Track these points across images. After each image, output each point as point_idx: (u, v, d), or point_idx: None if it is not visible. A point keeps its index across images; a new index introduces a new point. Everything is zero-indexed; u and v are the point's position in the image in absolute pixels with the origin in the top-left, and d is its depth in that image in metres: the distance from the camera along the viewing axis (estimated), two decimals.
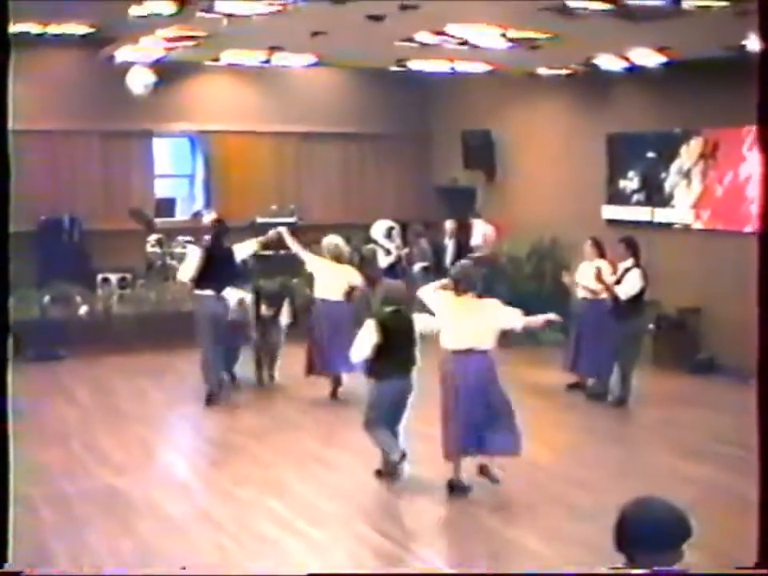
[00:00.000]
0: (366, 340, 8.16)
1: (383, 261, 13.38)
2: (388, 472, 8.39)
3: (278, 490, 8.40)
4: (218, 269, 11.18)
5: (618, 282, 11.09)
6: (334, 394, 11.45)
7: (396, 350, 8.16)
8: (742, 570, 4.25)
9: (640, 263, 11.16)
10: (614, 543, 3.27)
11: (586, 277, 11.49)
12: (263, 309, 11.85)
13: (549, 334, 12.61)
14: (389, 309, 8.30)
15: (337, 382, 11.44)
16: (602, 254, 11.51)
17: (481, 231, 15.35)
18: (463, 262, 8.66)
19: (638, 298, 11.12)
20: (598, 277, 11.17)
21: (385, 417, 8.28)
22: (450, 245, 15.68)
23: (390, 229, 14.52)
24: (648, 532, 3.21)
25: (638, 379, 11.87)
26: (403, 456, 8.22)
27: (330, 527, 7.56)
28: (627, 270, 11.12)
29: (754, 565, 4.14)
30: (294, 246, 11.58)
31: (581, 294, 11.62)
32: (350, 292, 11.32)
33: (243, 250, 11.54)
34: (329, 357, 11.08)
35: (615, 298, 11.10)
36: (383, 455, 8.41)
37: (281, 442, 9.95)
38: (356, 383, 10.38)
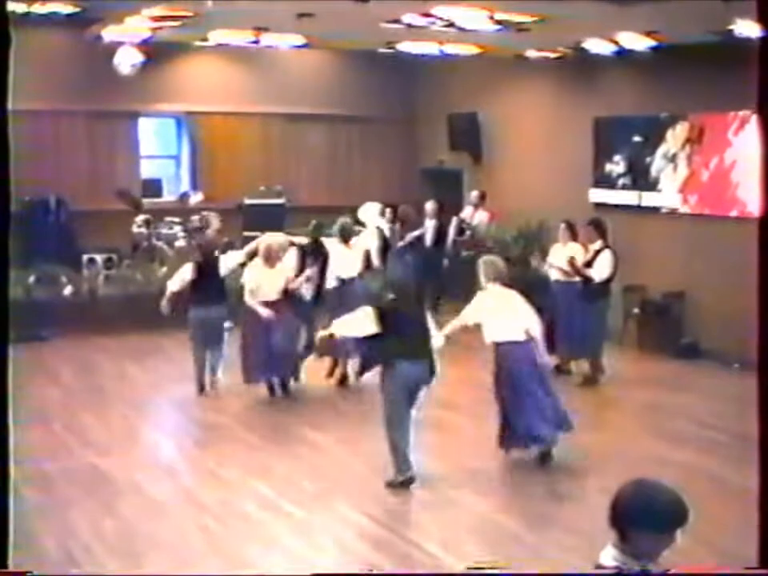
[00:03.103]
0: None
1: (372, 243, 13.14)
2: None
3: (262, 472, 8.41)
4: None
5: (590, 264, 11.15)
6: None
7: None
8: (743, 570, 4.27)
9: (609, 244, 11.22)
10: (609, 518, 3.25)
11: (559, 259, 11.52)
12: None
13: None
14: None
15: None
16: (575, 237, 11.56)
17: (478, 218, 15.45)
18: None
19: (608, 279, 11.20)
20: (571, 263, 11.20)
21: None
22: (430, 226, 15.64)
23: (384, 208, 14.55)
24: (647, 511, 3.19)
25: (621, 363, 11.94)
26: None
27: (314, 509, 7.57)
28: (598, 251, 11.18)
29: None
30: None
31: (554, 275, 11.65)
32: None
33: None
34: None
35: (585, 280, 11.15)
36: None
37: (265, 423, 9.96)
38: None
